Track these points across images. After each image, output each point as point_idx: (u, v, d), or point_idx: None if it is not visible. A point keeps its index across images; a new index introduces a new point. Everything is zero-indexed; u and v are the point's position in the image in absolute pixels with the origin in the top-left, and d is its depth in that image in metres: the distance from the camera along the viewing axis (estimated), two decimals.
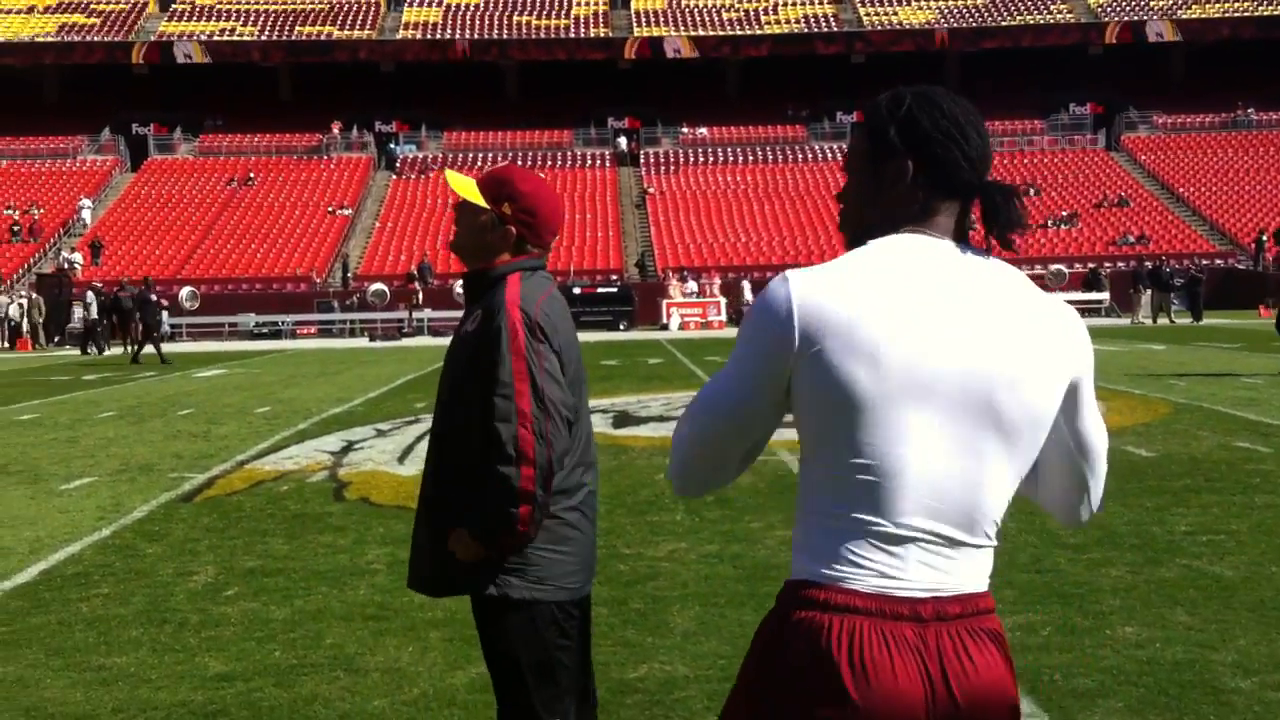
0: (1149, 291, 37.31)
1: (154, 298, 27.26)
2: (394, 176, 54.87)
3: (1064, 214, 48.87)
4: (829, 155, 55.74)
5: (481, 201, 3.03)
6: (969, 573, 1.82)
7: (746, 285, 42.25)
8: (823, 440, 1.80)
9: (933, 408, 1.77)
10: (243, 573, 6.75)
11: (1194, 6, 59.59)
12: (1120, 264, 42.63)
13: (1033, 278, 2.15)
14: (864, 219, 1.92)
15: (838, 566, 1.78)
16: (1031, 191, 50.25)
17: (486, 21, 60.90)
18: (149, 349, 26.67)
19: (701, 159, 55.60)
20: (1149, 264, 38.41)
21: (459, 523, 2.96)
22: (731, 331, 36.80)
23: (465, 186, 3.06)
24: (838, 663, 1.73)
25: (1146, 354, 22.22)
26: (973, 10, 60.58)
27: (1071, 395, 1.87)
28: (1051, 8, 60.32)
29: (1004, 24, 59.44)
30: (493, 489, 2.88)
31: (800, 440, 1.86)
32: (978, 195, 1.89)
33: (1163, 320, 36.34)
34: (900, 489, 1.76)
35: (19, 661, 5.28)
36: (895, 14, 60.79)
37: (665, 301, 39.97)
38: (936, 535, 1.79)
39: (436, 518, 3.06)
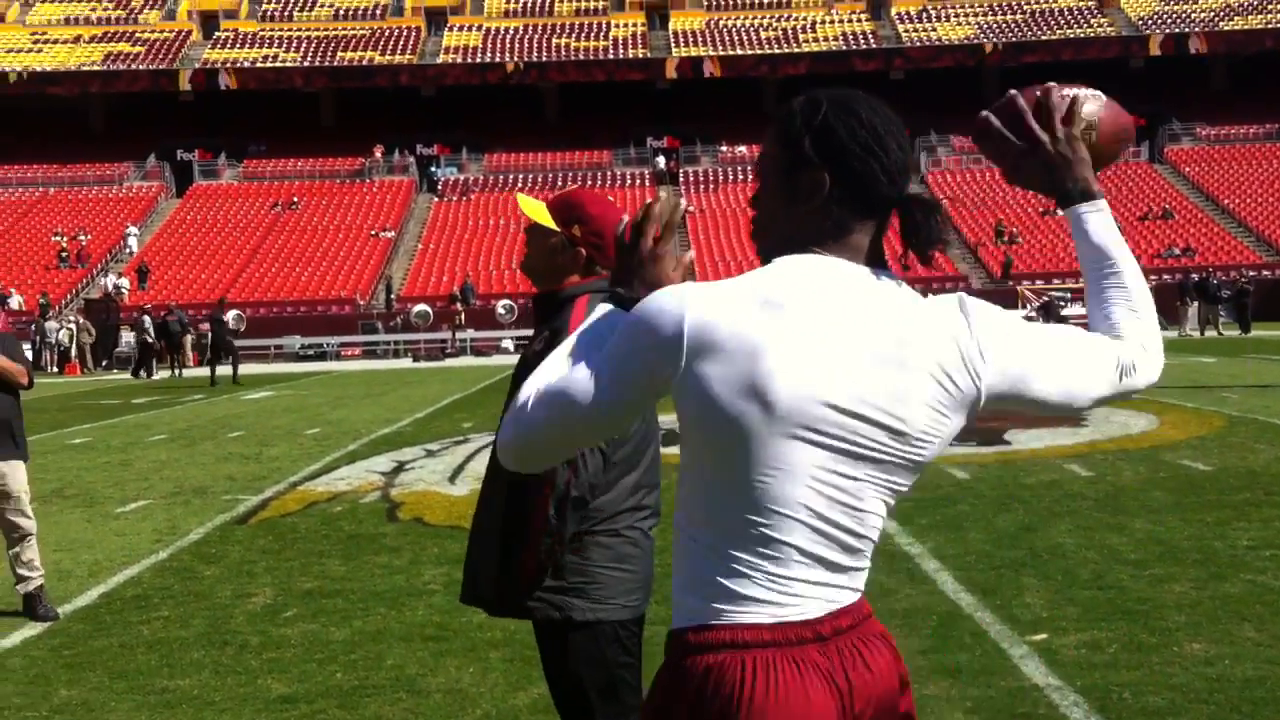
0: (1196, 304, 36.94)
1: (227, 319, 27.99)
2: (435, 199, 55.19)
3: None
4: None
5: (552, 224, 3.05)
6: (852, 586, 1.80)
7: None
8: (707, 464, 1.74)
9: (818, 443, 1.71)
10: (301, 594, 6.78)
11: (1235, 19, 59.10)
12: (1166, 276, 42.21)
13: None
14: (774, 230, 1.84)
15: (735, 604, 1.73)
16: None
17: (526, 44, 61.24)
18: (225, 368, 27.40)
19: (741, 177, 55.57)
20: (1195, 276, 38.02)
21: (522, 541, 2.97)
22: None
23: (536, 210, 3.09)
24: (755, 699, 1.70)
25: (1196, 366, 21.98)
26: (1012, 25, 60.34)
27: (998, 373, 1.79)
28: (1092, 21, 60.01)
29: (1044, 38, 59.17)
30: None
31: (682, 453, 1.79)
32: (896, 209, 1.81)
33: (1210, 332, 35.94)
34: (788, 523, 1.72)
35: (84, 685, 5.32)
36: (934, 30, 60.67)
37: None
38: (824, 560, 1.76)
39: (495, 539, 3.05)
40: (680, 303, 1.70)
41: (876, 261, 1.82)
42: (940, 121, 57.97)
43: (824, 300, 1.73)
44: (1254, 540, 7.29)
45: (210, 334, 28.25)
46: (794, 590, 1.74)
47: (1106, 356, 1.89)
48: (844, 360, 1.72)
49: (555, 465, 2.89)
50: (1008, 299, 41.96)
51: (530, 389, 1.81)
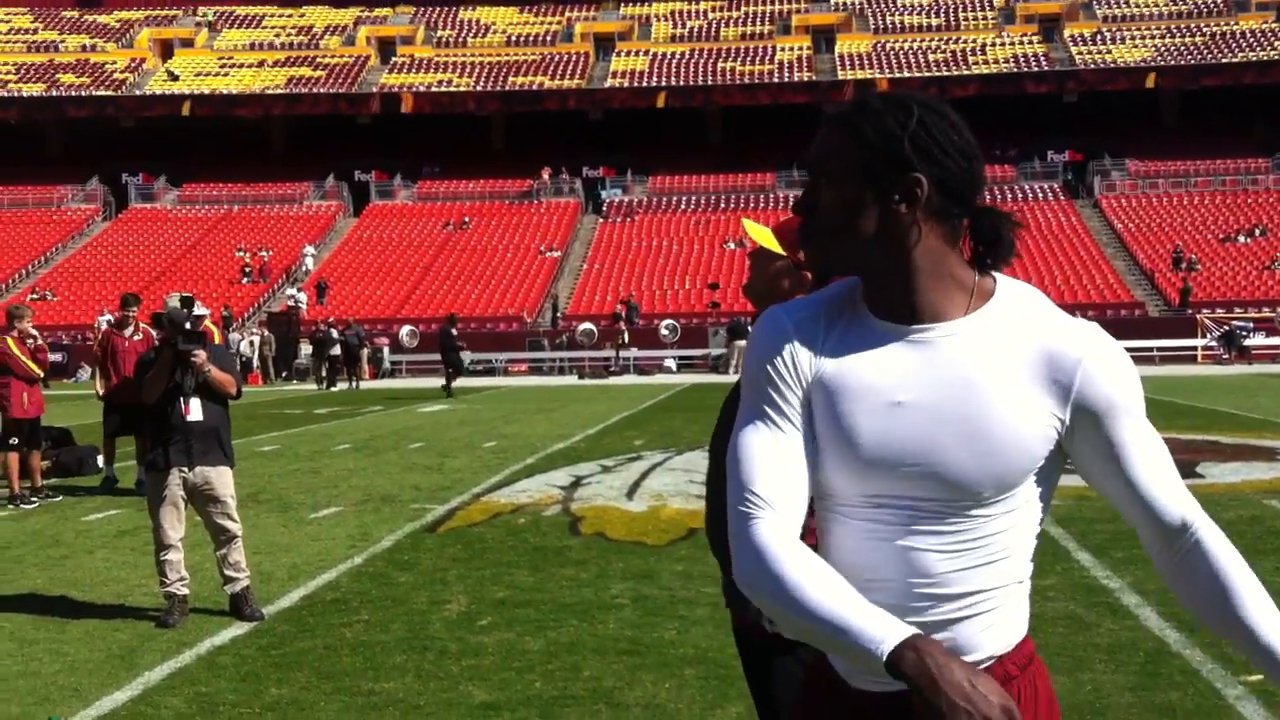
0: None
1: (453, 332, 29.10)
2: (601, 220, 55.83)
3: None
4: (1040, 196, 54.38)
5: (778, 249, 3.05)
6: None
7: None
8: (1040, 510, 1.75)
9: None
10: (493, 603, 6.90)
11: None
12: None
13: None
14: (846, 240, 1.71)
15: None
16: (1257, 233, 48.01)
17: (691, 69, 61.60)
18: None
19: None
20: None
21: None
22: None
23: (762, 234, 3.10)
24: None
25: None
26: (1190, 49, 58.37)
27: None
28: (1277, 43, 57.66)
29: (1225, 61, 57.08)
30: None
31: (1023, 501, 1.74)
32: (969, 220, 1.72)
33: None
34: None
35: (292, 684, 5.49)
36: (1109, 51, 59.06)
37: None
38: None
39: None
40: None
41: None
42: (1114, 145, 56.41)
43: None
44: None
45: (440, 345, 29.41)
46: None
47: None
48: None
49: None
50: (1186, 327, 40.52)
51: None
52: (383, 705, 5.16)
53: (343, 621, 6.58)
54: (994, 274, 1.74)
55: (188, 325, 6.95)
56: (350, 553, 8.52)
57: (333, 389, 33.19)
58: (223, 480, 7.01)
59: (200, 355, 6.93)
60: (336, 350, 34.35)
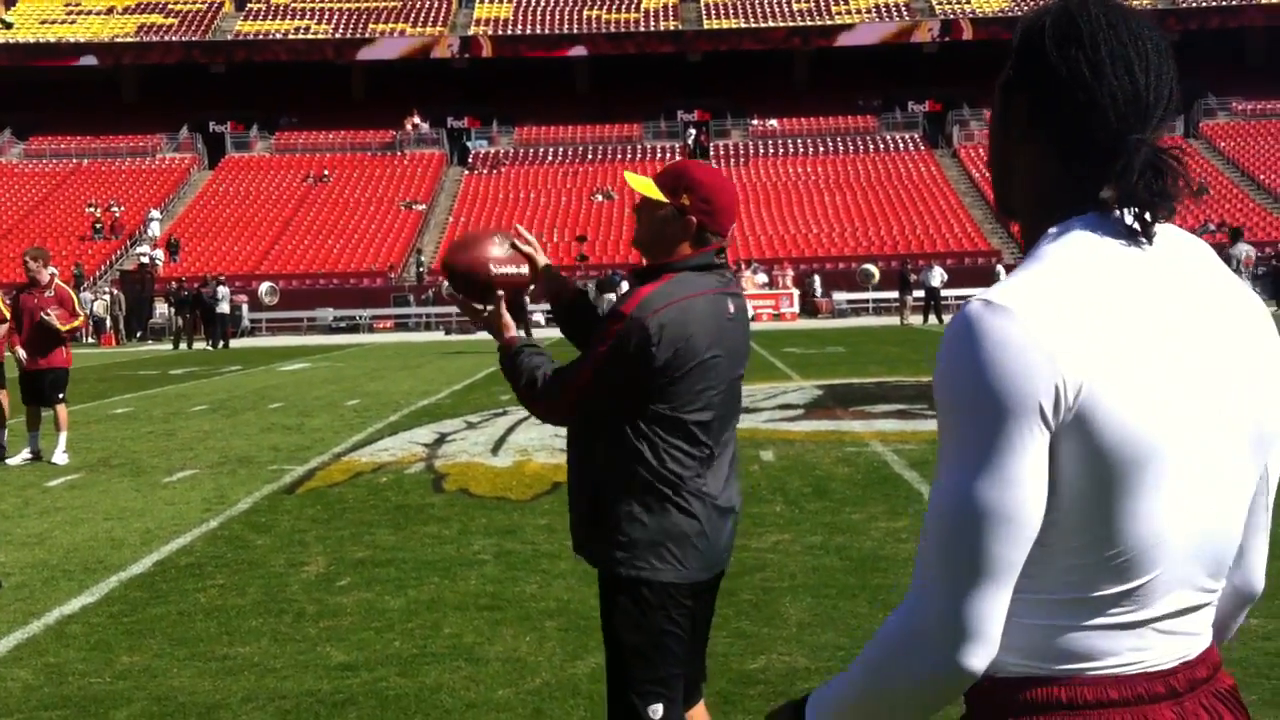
0: None
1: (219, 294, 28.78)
2: (466, 172, 55.22)
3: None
4: (901, 145, 55.30)
5: (661, 196, 3.06)
6: (1203, 627, 1.50)
7: (817, 280, 42.14)
8: (1075, 517, 1.40)
9: (1206, 454, 1.42)
10: (353, 563, 6.84)
11: None
12: None
13: None
14: (1003, 180, 1.54)
15: (1078, 658, 1.43)
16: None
17: (556, 16, 61.05)
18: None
19: (772, 150, 55.36)
20: (1230, 252, 37.68)
21: (578, 495, 3.13)
22: (805, 323, 36.65)
23: (644, 184, 3.10)
24: None
25: None
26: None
27: None
28: None
29: None
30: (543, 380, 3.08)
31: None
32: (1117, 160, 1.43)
33: None
34: (1164, 558, 1.42)
35: (145, 651, 5.38)
36: (968, 2, 60.11)
37: None
38: (1187, 599, 1.46)
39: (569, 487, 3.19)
40: (1014, 320, 1.36)
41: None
42: (972, 95, 57.50)
43: (1144, 285, 1.42)
44: None
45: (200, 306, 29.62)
46: (1148, 637, 1.44)
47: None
48: (1198, 349, 1.42)
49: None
50: None
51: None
52: (238, 670, 5.08)
53: (197, 587, 6.45)
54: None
55: None
56: (205, 516, 8.35)
57: (220, 347, 32.33)
58: None
59: None
60: (225, 308, 33.41)
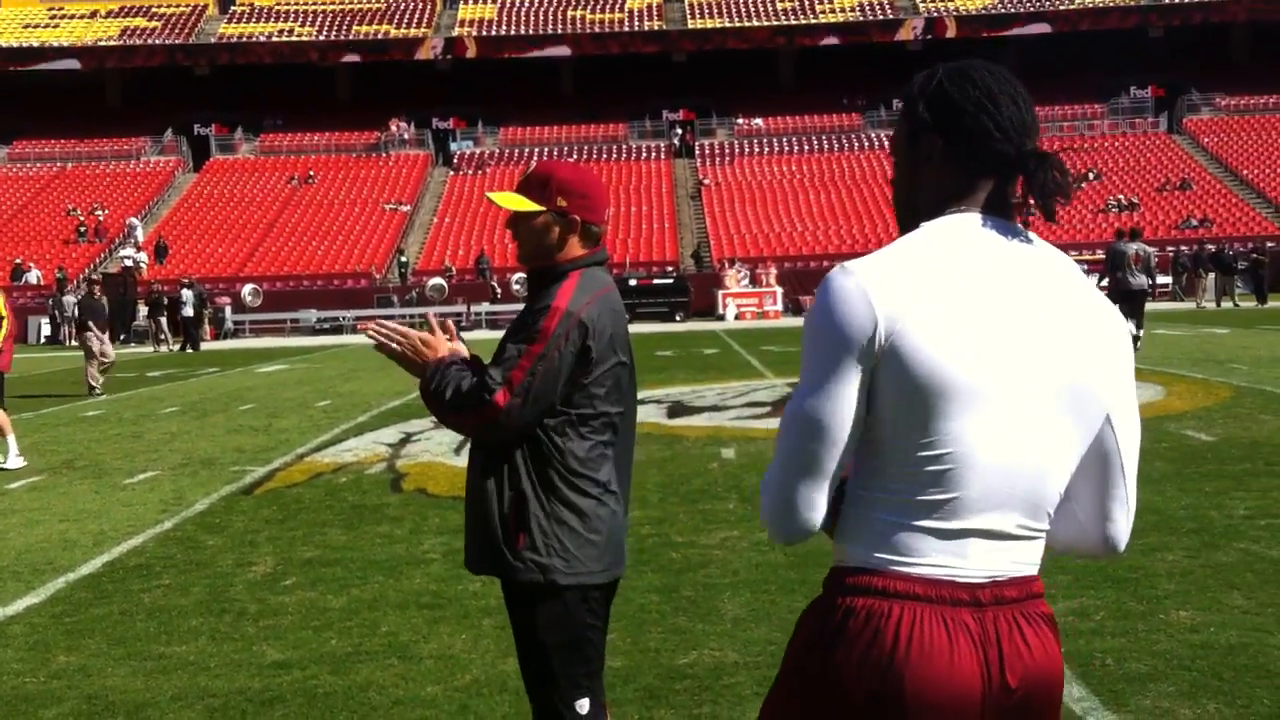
0: (1212, 275, 36.77)
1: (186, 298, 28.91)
2: (451, 173, 55.20)
3: (1120, 199, 48.19)
4: (886, 143, 55.35)
5: (535, 206, 3.06)
6: (1025, 557, 1.81)
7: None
8: (897, 431, 1.75)
9: (1013, 394, 1.74)
10: (301, 563, 6.85)
11: None
12: (1183, 248, 41.99)
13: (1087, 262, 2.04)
14: (910, 201, 1.90)
15: (897, 553, 1.76)
16: (1092, 176, 49.62)
17: (541, 17, 61.06)
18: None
19: (757, 149, 55.40)
20: (1212, 247, 37.84)
21: (488, 504, 3.03)
22: (789, 321, 36.69)
23: (513, 200, 3.09)
24: (897, 649, 1.71)
25: (1210, 338, 21.89)
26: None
27: (1123, 396, 1.83)
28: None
29: (1060, 8, 58.62)
30: (468, 391, 2.96)
31: (868, 430, 1.79)
32: (1017, 167, 1.83)
33: (1227, 304, 35.77)
34: (973, 478, 1.74)
35: (82, 651, 5.39)
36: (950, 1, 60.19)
37: (721, 292, 39.92)
38: (1000, 522, 1.77)
39: (474, 500, 3.11)
40: (853, 278, 1.75)
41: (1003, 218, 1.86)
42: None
43: (979, 251, 1.78)
44: (1251, 509, 7.29)
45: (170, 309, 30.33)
46: (961, 549, 1.75)
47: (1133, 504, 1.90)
48: (1023, 312, 1.76)
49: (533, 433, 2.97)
50: None
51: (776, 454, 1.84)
52: (171, 669, 5.10)
53: (142, 587, 6.46)
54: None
55: None
56: (160, 517, 8.36)
57: (189, 350, 32.25)
58: None
59: None
60: (189, 311, 33.27)
